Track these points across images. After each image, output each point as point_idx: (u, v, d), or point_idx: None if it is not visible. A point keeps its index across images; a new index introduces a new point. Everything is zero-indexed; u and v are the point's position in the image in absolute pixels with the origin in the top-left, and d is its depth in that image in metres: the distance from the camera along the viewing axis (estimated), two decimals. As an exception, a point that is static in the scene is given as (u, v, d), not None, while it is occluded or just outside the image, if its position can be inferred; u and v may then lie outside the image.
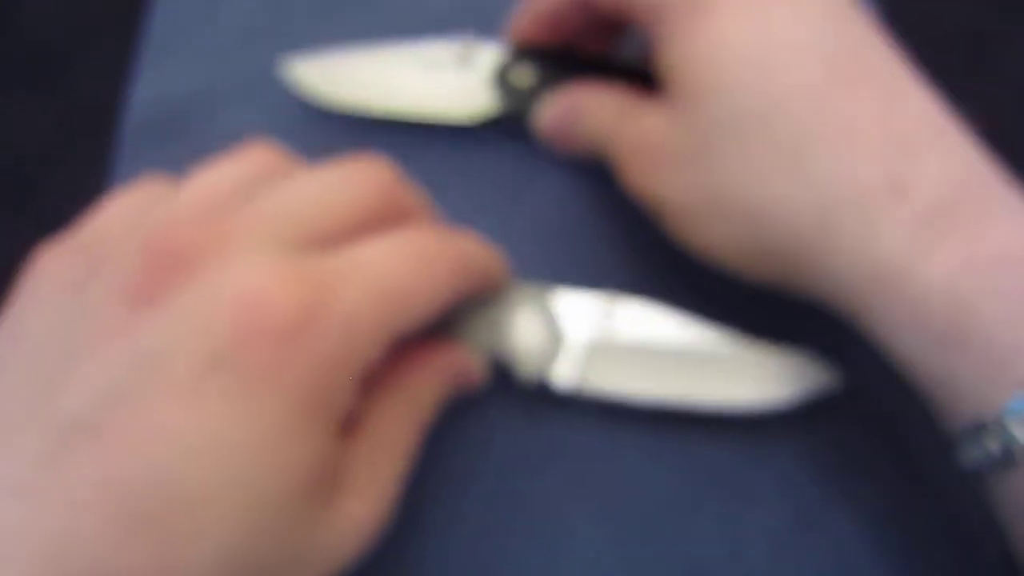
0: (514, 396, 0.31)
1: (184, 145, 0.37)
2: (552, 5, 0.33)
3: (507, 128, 0.36)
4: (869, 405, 0.32)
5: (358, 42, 0.39)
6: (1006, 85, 0.37)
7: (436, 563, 0.30)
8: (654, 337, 0.30)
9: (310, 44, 0.39)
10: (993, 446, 0.22)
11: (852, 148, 0.24)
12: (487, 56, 0.35)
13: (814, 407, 0.31)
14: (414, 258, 0.23)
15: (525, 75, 0.34)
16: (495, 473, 0.31)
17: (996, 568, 0.29)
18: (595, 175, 0.35)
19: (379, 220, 0.24)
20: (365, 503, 0.23)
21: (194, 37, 0.39)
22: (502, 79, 0.34)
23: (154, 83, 0.38)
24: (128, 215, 0.24)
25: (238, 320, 0.20)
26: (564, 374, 0.30)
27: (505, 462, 0.31)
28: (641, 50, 0.33)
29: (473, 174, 0.36)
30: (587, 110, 0.32)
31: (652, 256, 0.34)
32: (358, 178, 0.24)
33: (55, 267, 0.23)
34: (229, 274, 0.21)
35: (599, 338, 0.30)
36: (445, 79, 0.35)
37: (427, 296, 0.24)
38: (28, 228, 0.36)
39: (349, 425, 0.23)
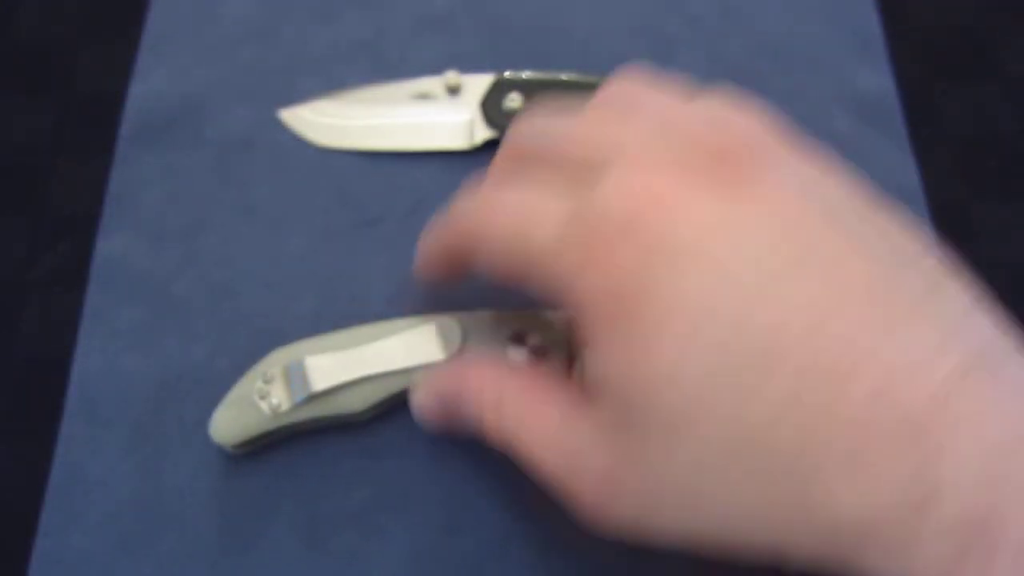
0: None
1: (183, 145, 0.37)
2: (436, 253, 0.29)
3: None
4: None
5: (355, 42, 0.39)
6: (1006, 85, 0.37)
7: (438, 557, 0.30)
8: None
9: (308, 44, 0.39)
10: None
11: (864, 460, 0.19)
12: (475, 85, 0.36)
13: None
14: None
15: (512, 100, 0.35)
16: (491, 474, 0.31)
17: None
18: None
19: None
20: None
21: (193, 37, 0.39)
22: (490, 106, 0.36)
23: (153, 83, 0.38)
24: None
25: None
26: None
27: (502, 461, 0.31)
28: None
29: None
30: (477, 409, 0.27)
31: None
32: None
33: None
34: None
35: None
36: (436, 110, 0.36)
37: None
38: (28, 228, 0.36)
39: None
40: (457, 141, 0.36)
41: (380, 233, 0.35)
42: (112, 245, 0.35)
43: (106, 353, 0.33)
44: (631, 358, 0.22)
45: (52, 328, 0.34)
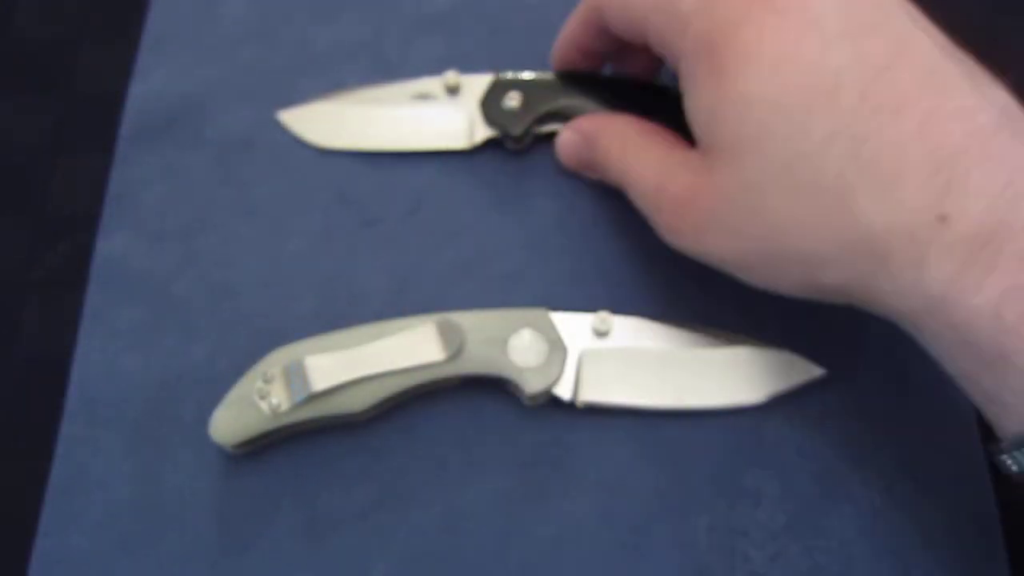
0: (510, 398, 0.31)
1: (183, 145, 0.37)
2: (572, 32, 0.34)
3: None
4: (870, 406, 0.32)
5: (355, 42, 0.39)
6: (1006, 85, 0.37)
7: (437, 558, 0.30)
8: (647, 349, 0.31)
9: (308, 44, 0.39)
10: None
11: (896, 182, 0.24)
12: (474, 85, 0.36)
13: (815, 408, 0.31)
14: None
15: (511, 100, 0.35)
16: (490, 474, 0.31)
17: (997, 566, 0.29)
18: (584, 192, 0.35)
19: None
20: None
21: (193, 37, 0.39)
22: (489, 105, 0.35)
23: (153, 83, 0.38)
24: None
25: None
26: (567, 389, 0.31)
27: (501, 462, 0.31)
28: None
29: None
30: (607, 145, 0.33)
31: (642, 265, 0.34)
32: None
33: None
34: None
35: (597, 353, 0.31)
36: (435, 110, 0.36)
37: None
38: (28, 228, 0.36)
39: None
40: (457, 141, 0.36)
41: (380, 233, 0.35)
42: (112, 245, 0.35)
43: (106, 353, 0.33)
44: (716, 89, 0.27)
45: (52, 328, 0.34)
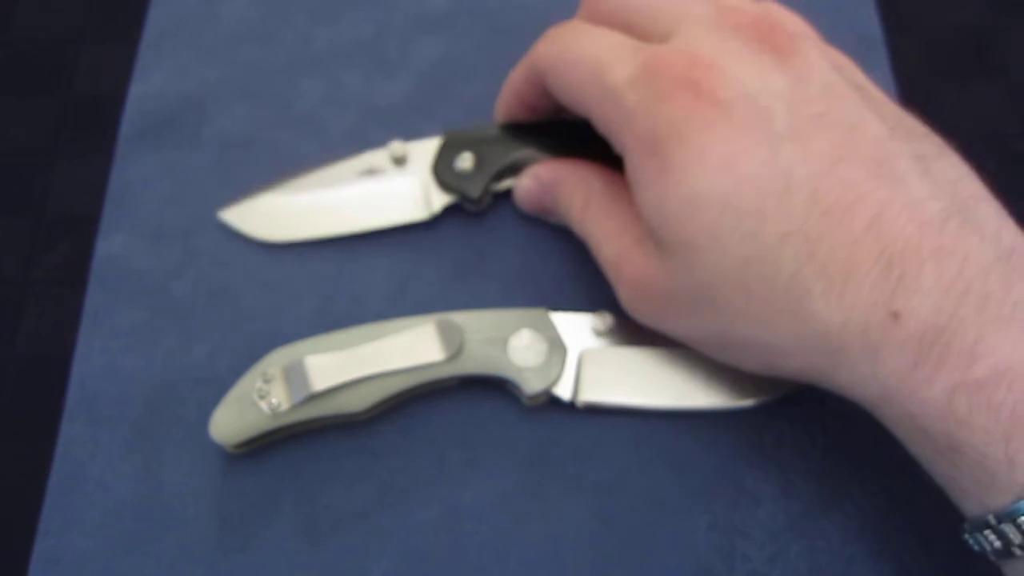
0: (510, 398, 0.31)
1: (183, 145, 0.37)
2: (516, 88, 0.33)
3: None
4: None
5: (355, 42, 0.39)
6: (1006, 85, 0.37)
7: (437, 558, 0.30)
8: (647, 349, 0.31)
9: (308, 44, 0.39)
10: (994, 540, 0.24)
11: (850, 281, 0.23)
12: (422, 152, 0.34)
13: (815, 408, 0.31)
14: None
15: (463, 161, 0.34)
16: (490, 474, 0.31)
17: (996, 568, 0.29)
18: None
19: None
20: None
21: (193, 37, 0.39)
22: (441, 169, 0.34)
23: (153, 83, 0.38)
24: None
25: None
26: (567, 389, 0.31)
27: (501, 462, 0.31)
28: None
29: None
30: (568, 198, 0.32)
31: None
32: None
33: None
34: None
35: (597, 353, 0.31)
36: (385, 185, 0.34)
37: None
38: (28, 228, 0.36)
39: None
40: (416, 212, 0.34)
41: (380, 233, 0.35)
42: (112, 245, 0.35)
43: (106, 353, 0.33)
44: (665, 188, 0.26)
45: (52, 327, 0.34)
